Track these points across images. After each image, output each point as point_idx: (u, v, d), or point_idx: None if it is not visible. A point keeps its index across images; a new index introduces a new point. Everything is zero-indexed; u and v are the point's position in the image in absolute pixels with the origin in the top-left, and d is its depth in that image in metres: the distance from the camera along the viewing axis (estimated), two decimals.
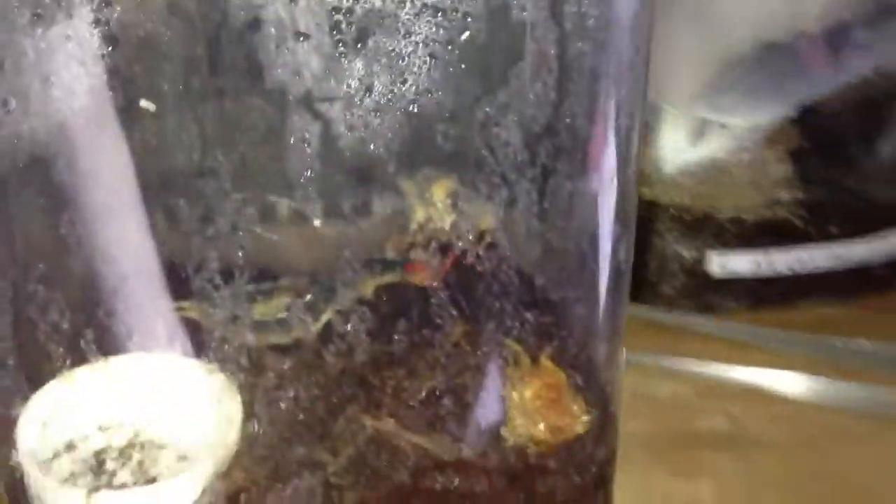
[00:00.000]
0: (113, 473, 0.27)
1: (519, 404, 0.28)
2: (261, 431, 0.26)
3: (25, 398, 0.26)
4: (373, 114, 0.24)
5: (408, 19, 0.23)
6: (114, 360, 0.26)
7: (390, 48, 0.23)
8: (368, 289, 0.27)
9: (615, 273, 0.27)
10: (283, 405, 0.26)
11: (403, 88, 0.23)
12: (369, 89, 0.23)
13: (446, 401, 0.27)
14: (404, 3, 0.22)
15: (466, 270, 0.26)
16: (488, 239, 0.26)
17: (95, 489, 0.25)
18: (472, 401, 0.28)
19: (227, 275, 0.25)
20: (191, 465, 0.26)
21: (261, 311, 0.26)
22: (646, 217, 0.44)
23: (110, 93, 0.22)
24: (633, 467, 0.33)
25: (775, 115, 0.48)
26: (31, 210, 0.25)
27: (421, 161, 0.26)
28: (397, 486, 0.27)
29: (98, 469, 0.27)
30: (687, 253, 0.45)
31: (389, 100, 0.23)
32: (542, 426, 0.28)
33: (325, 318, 0.26)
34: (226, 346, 0.25)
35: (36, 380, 0.26)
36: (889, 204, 0.52)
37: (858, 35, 0.47)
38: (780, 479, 0.37)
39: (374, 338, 0.26)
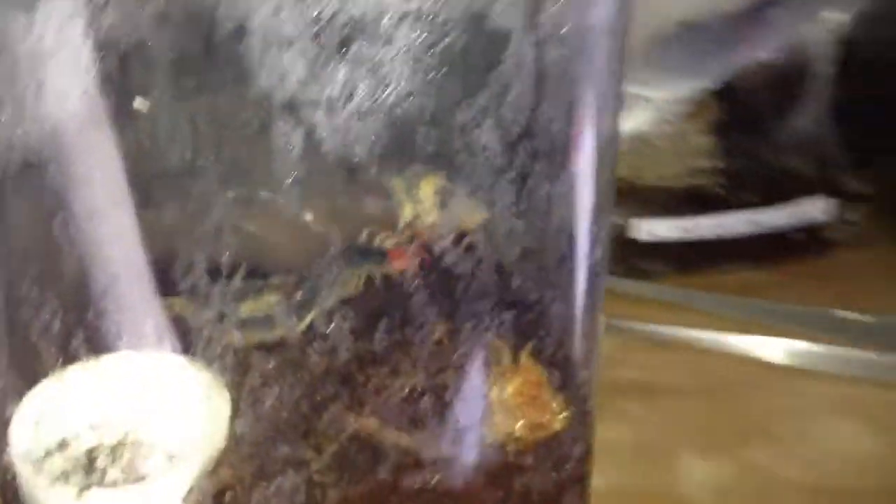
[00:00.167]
0: (104, 472, 0.27)
1: (499, 401, 0.29)
2: (247, 429, 0.27)
3: (18, 398, 0.27)
4: (356, 116, 0.24)
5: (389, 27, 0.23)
6: (104, 359, 0.27)
7: (372, 54, 0.24)
8: (353, 285, 0.27)
9: (591, 273, 0.28)
10: (268, 403, 0.27)
11: (386, 92, 0.24)
12: (352, 94, 0.24)
13: (428, 398, 0.28)
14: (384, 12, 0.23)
15: (449, 268, 0.27)
16: (471, 238, 0.27)
17: (86, 487, 0.26)
18: (454, 398, 0.28)
19: (216, 273, 0.25)
20: (179, 464, 0.27)
21: (248, 308, 0.27)
22: None
23: (100, 97, 0.23)
24: None
25: (696, 90, 0.52)
26: (21, 212, 0.26)
27: (406, 161, 0.26)
28: (379, 483, 0.27)
29: (89, 467, 0.27)
30: (615, 220, 0.48)
31: (372, 104, 0.24)
32: (521, 423, 0.29)
33: (310, 316, 0.27)
34: (213, 344, 0.26)
35: (29, 379, 0.27)
36: (802, 173, 0.57)
37: (770, 15, 0.52)
38: (690, 424, 0.42)
39: (357, 336, 0.27)
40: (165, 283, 0.26)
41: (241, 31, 0.23)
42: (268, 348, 0.27)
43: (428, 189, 0.27)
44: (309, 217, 0.27)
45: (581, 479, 0.30)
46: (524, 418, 0.29)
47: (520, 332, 0.28)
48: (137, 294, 0.26)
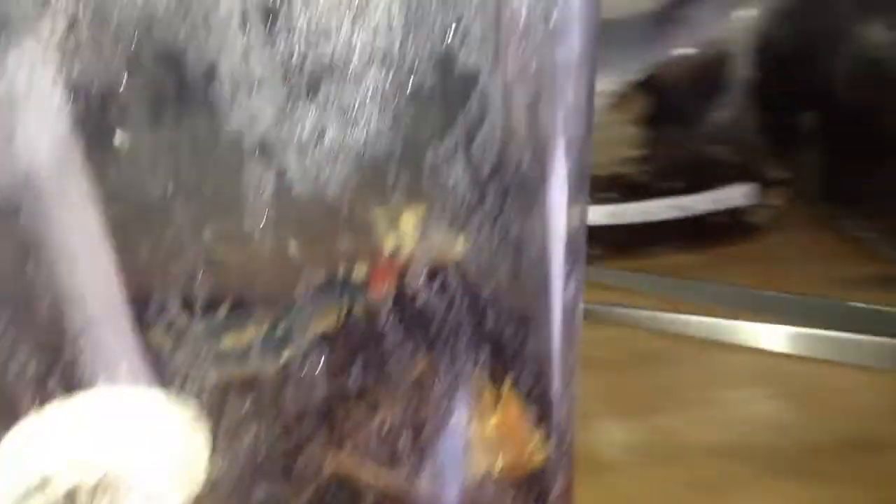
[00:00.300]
0: None
1: (480, 437, 0.29)
2: (225, 467, 0.27)
3: None
4: (328, 155, 0.25)
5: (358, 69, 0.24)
6: (83, 396, 0.27)
7: (342, 96, 0.24)
8: (333, 320, 0.27)
9: (567, 308, 0.28)
10: (246, 440, 0.27)
11: (355, 132, 0.24)
12: (322, 134, 0.24)
13: (408, 435, 0.28)
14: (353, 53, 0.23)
15: (428, 302, 0.27)
16: (451, 270, 0.27)
17: None
18: (435, 434, 0.28)
19: (193, 308, 0.25)
20: (158, 502, 0.27)
21: (227, 344, 0.27)
22: None
23: (71, 140, 0.23)
24: None
25: (622, 83, 0.57)
26: None
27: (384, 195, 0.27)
28: None
29: None
30: None
31: (341, 144, 0.24)
32: (502, 458, 0.29)
33: (288, 351, 0.27)
34: (190, 381, 0.26)
35: (8, 419, 0.27)
36: (724, 161, 0.63)
37: (689, 12, 0.57)
38: (610, 393, 0.46)
39: (336, 371, 0.27)
40: (142, 319, 0.26)
41: (210, 73, 0.23)
42: (246, 384, 0.27)
43: (410, 220, 0.27)
44: (287, 251, 0.27)
45: None
46: (505, 453, 0.29)
47: (499, 367, 0.28)
48: (114, 332, 0.26)
